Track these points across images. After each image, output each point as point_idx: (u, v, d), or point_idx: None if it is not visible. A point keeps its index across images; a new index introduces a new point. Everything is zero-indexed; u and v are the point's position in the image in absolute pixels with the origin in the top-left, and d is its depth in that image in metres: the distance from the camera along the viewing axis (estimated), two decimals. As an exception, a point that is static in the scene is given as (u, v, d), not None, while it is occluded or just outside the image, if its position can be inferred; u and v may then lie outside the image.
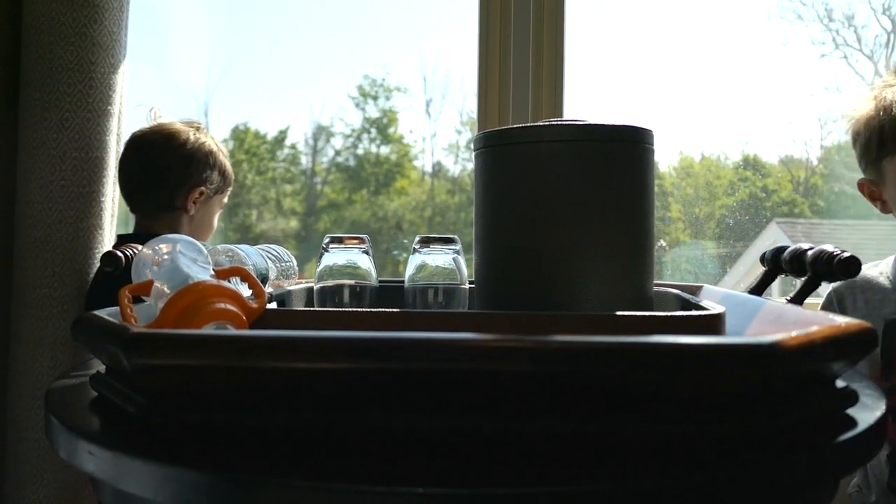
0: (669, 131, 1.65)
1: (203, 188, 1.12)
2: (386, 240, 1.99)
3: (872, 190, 0.94)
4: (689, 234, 1.75)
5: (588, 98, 1.48)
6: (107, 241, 1.15)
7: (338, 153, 2.04)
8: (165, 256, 0.56)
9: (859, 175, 0.99)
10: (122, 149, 1.16)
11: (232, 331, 0.49)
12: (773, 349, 0.36)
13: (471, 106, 1.84)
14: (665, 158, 1.74)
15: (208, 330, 0.49)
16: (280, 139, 2.03)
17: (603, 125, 0.59)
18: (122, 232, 1.20)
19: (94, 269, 1.11)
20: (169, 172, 1.10)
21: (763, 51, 1.65)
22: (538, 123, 0.61)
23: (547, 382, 0.38)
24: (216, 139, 1.18)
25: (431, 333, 0.38)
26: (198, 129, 1.15)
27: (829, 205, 1.79)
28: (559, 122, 0.60)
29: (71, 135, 1.07)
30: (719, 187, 1.80)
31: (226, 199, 1.22)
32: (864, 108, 0.93)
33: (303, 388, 0.40)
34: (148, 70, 1.78)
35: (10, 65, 1.14)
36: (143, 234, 1.11)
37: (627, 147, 0.59)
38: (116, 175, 1.16)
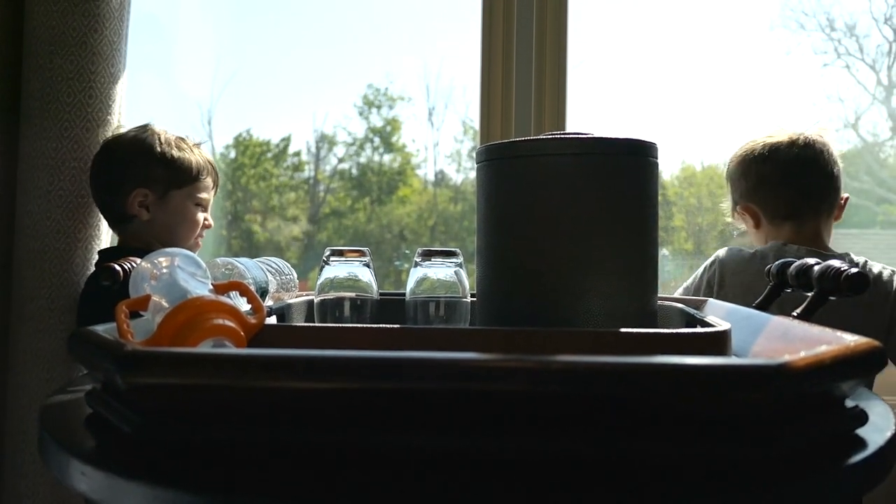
0: (672, 140, 1.64)
1: (144, 189, 1.04)
2: (388, 249, 1.99)
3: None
4: (692, 244, 1.74)
5: (591, 107, 1.48)
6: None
7: (341, 160, 2.04)
8: (164, 270, 0.55)
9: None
10: None
11: (229, 349, 0.49)
12: (781, 370, 0.35)
13: (472, 114, 1.84)
14: (667, 167, 1.74)
15: (206, 347, 0.48)
16: (283, 148, 2.03)
17: (607, 138, 0.59)
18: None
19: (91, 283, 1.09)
20: (109, 182, 1.05)
21: (765, 60, 1.65)
22: (541, 136, 0.60)
23: (549, 403, 0.37)
24: (174, 136, 1.09)
25: (432, 353, 0.38)
26: (145, 129, 1.08)
27: (832, 213, 1.78)
28: (563, 136, 0.60)
29: (70, 145, 1.07)
30: (722, 196, 1.80)
31: (203, 195, 1.10)
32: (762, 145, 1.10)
33: (301, 408, 0.39)
34: (152, 80, 1.79)
35: (11, 74, 1.14)
36: (119, 248, 1.08)
37: (631, 160, 0.59)
38: None
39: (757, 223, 1.11)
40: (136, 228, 1.07)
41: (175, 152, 1.06)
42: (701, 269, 1.12)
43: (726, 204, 1.22)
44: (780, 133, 1.10)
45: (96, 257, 1.11)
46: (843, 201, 1.10)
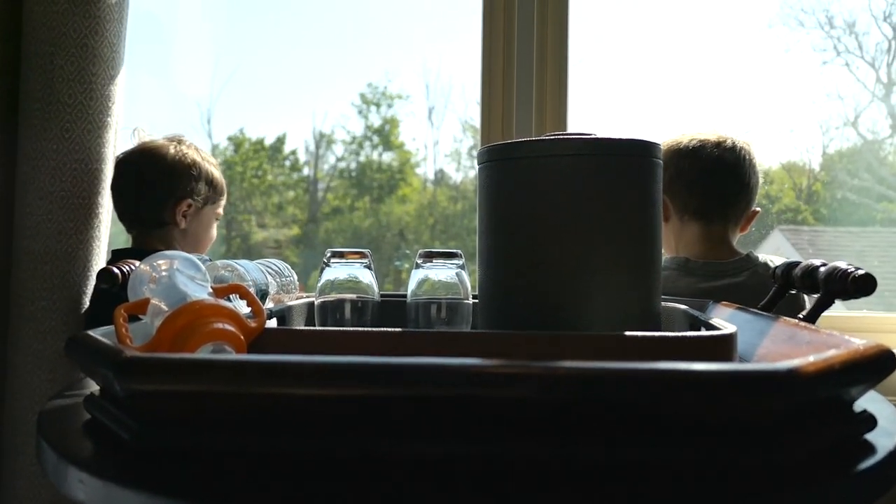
0: (670, 137, 1.63)
1: (190, 200, 1.12)
2: (388, 247, 1.98)
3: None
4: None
5: (591, 104, 1.47)
6: (105, 254, 1.14)
7: (340, 159, 2.04)
8: (163, 274, 0.54)
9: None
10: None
11: (228, 355, 0.48)
12: (790, 376, 0.35)
13: (472, 113, 1.84)
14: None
15: (205, 351, 0.48)
16: (279, 146, 2.03)
17: (610, 139, 0.58)
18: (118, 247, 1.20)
19: (93, 282, 1.09)
20: (153, 188, 1.11)
21: (765, 58, 1.65)
22: (544, 137, 0.60)
23: (555, 409, 0.36)
24: (202, 150, 1.18)
25: (435, 359, 0.37)
26: (179, 141, 1.15)
27: (832, 212, 1.78)
28: (565, 136, 0.59)
29: (71, 146, 1.06)
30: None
31: (221, 210, 1.21)
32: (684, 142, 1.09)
33: (302, 414, 0.38)
34: (152, 80, 1.78)
35: (10, 75, 1.13)
36: (137, 249, 1.11)
37: (635, 161, 0.58)
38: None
39: (666, 216, 1.09)
40: (166, 235, 1.13)
41: (213, 170, 1.17)
42: None
43: None
44: (710, 133, 1.10)
45: (108, 256, 1.14)
46: (752, 214, 1.10)
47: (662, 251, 1.10)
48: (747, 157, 1.08)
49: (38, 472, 1.06)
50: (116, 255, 1.11)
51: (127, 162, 1.12)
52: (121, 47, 1.13)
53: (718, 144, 1.07)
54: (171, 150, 1.12)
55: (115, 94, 1.12)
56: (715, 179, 1.06)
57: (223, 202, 1.20)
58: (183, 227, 1.13)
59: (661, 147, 1.10)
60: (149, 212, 1.12)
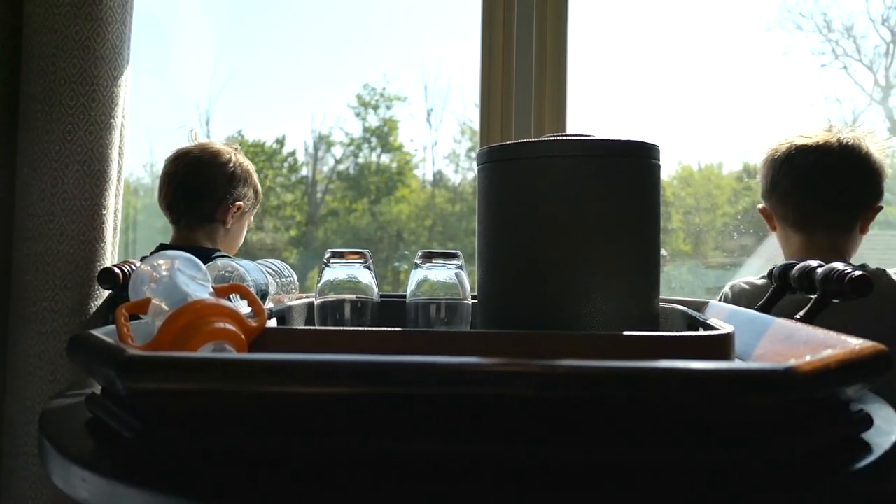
0: (670, 140, 1.64)
1: (241, 203, 1.20)
2: (387, 248, 1.98)
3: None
4: (690, 244, 1.74)
5: (589, 105, 1.48)
6: (108, 255, 1.14)
7: (338, 161, 2.04)
8: (164, 273, 0.55)
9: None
10: (124, 161, 1.17)
11: (229, 353, 0.48)
12: (787, 375, 0.35)
13: (471, 115, 1.84)
14: (665, 167, 1.73)
15: (206, 351, 0.48)
16: (279, 148, 2.03)
17: (608, 140, 0.58)
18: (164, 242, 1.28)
19: (96, 284, 1.10)
20: (214, 187, 1.18)
21: (763, 61, 1.65)
22: (543, 138, 0.60)
23: (553, 408, 0.37)
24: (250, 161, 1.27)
25: (434, 357, 0.37)
26: (236, 150, 1.24)
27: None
28: (564, 138, 0.59)
29: (73, 147, 1.07)
30: (720, 196, 1.80)
31: (252, 217, 1.29)
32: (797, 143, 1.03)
33: (303, 413, 0.38)
34: (150, 79, 1.78)
35: (10, 77, 1.13)
36: (183, 245, 1.18)
37: (633, 162, 0.59)
38: (122, 188, 1.17)
39: (772, 225, 1.07)
40: (213, 231, 1.19)
41: (258, 180, 1.26)
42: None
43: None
44: (813, 134, 1.02)
45: (116, 254, 1.17)
46: (872, 212, 1.01)
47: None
48: (853, 155, 0.98)
49: (39, 473, 1.06)
50: (162, 248, 1.19)
51: (191, 156, 1.19)
52: (124, 48, 1.13)
53: (817, 148, 0.98)
54: (233, 156, 1.21)
55: (118, 96, 1.12)
56: (810, 189, 0.98)
57: (256, 210, 1.28)
58: (228, 227, 1.19)
59: (764, 155, 1.05)
60: (205, 207, 1.18)
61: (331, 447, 0.38)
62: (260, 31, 1.90)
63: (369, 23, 1.85)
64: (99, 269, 1.09)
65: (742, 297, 1.00)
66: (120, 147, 1.16)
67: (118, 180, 1.15)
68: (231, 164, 1.20)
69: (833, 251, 0.99)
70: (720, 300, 1.02)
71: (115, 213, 1.15)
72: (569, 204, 0.57)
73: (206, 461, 0.38)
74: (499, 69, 1.31)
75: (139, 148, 1.79)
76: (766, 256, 1.58)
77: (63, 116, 1.06)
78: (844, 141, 0.98)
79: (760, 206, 1.09)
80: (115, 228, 1.16)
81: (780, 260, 1.08)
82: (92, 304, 1.10)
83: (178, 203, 1.20)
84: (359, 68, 1.90)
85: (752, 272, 1.59)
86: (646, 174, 0.59)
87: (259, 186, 1.27)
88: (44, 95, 1.07)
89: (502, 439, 0.37)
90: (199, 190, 1.18)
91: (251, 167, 1.25)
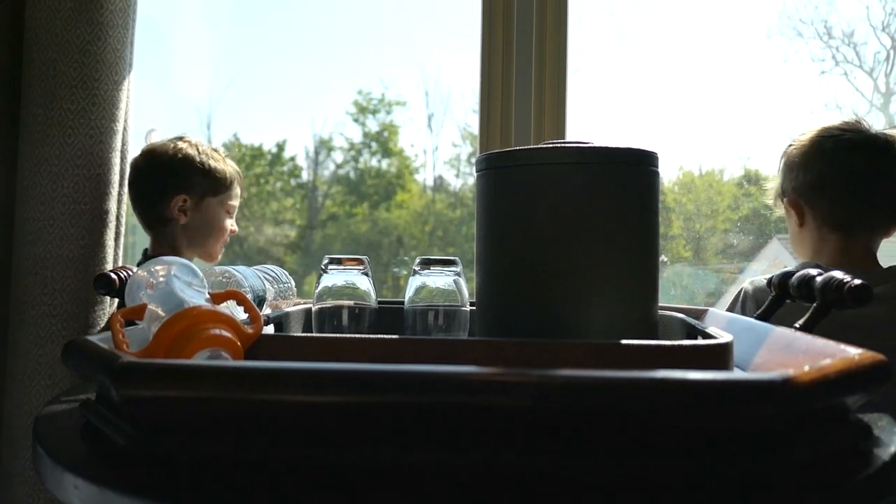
0: (671, 146, 1.64)
1: (184, 195, 1.13)
2: (387, 253, 1.98)
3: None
4: (690, 251, 1.74)
5: (589, 113, 1.48)
6: (110, 260, 1.14)
7: (339, 166, 2.04)
8: (160, 279, 0.54)
9: None
10: (126, 166, 1.18)
11: (224, 361, 0.48)
12: (786, 385, 0.35)
13: (470, 120, 1.84)
14: (666, 173, 1.74)
15: (202, 357, 0.48)
16: (279, 153, 2.03)
17: (607, 147, 0.58)
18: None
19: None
20: (150, 187, 1.14)
21: (763, 67, 1.65)
22: (542, 145, 0.60)
23: (551, 418, 0.36)
24: (205, 144, 1.19)
25: (432, 367, 0.37)
26: (180, 139, 1.17)
27: (831, 220, 1.78)
28: (563, 145, 0.59)
29: (73, 151, 1.07)
30: (721, 203, 1.80)
31: (234, 202, 1.20)
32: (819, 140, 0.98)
33: (298, 421, 0.38)
34: (151, 85, 1.78)
35: (11, 81, 1.13)
36: (152, 255, 1.16)
37: (632, 169, 0.58)
38: (125, 192, 1.18)
39: (801, 222, 0.99)
40: (169, 232, 1.15)
41: (212, 162, 1.16)
42: (729, 306, 1.02)
43: (772, 184, 1.08)
44: (857, 126, 0.97)
45: (119, 258, 1.16)
46: None
47: (799, 257, 1.02)
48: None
49: (36, 477, 1.05)
50: (143, 256, 1.17)
51: (131, 166, 1.16)
52: (126, 52, 1.13)
53: (868, 143, 0.94)
54: (167, 148, 1.15)
55: (120, 100, 1.12)
56: (863, 188, 0.93)
57: (235, 194, 1.19)
58: (183, 223, 1.14)
59: (798, 143, 0.98)
60: (149, 211, 1.15)
61: (325, 456, 0.37)
62: (261, 36, 1.90)
63: (370, 28, 1.85)
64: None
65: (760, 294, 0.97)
66: (122, 152, 1.16)
67: (120, 185, 1.15)
68: (164, 157, 1.14)
69: (868, 254, 0.96)
70: (740, 296, 1.00)
71: (116, 217, 1.15)
72: (568, 211, 0.57)
73: (200, 469, 0.38)
74: (498, 75, 1.32)
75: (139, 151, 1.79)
76: (771, 259, 1.58)
77: (63, 121, 1.06)
78: (892, 137, 0.95)
79: (786, 200, 1.02)
80: (117, 233, 1.15)
81: (784, 264, 1.05)
82: (91, 310, 1.09)
83: (137, 215, 1.18)
84: (360, 73, 1.90)
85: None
86: (645, 182, 0.59)
87: (216, 168, 1.16)
88: (44, 100, 1.07)
89: (500, 449, 0.37)
90: (138, 200, 1.16)
91: (197, 150, 1.16)
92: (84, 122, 1.08)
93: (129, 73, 1.15)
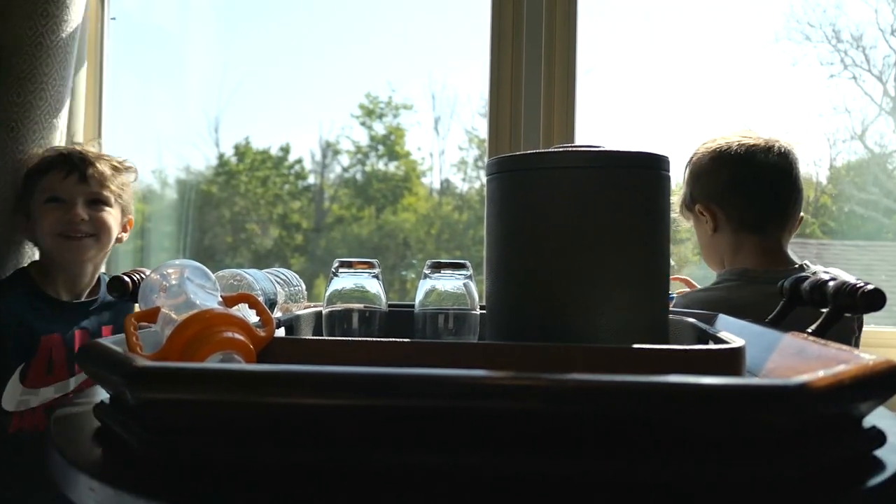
0: (679, 149, 1.64)
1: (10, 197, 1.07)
2: (393, 256, 1.98)
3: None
4: (699, 255, 1.73)
5: (598, 115, 1.48)
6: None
7: (345, 170, 2.04)
8: (173, 282, 0.55)
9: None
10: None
11: (238, 365, 0.48)
12: (800, 391, 0.35)
13: (477, 124, 1.84)
14: (674, 177, 1.73)
15: (215, 360, 0.48)
16: (285, 156, 2.04)
17: (618, 152, 0.58)
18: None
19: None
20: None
21: (772, 71, 1.65)
22: (553, 149, 0.60)
23: (562, 422, 0.36)
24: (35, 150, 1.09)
25: (443, 370, 0.37)
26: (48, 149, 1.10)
27: (840, 225, 1.77)
28: (574, 149, 0.59)
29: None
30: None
31: (57, 188, 1.05)
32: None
33: (311, 424, 0.38)
34: (160, 88, 1.79)
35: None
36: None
37: (643, 173, 0.58)
38: None
39: (715, 226, 1.01)
40: (35, 236, 1.08)
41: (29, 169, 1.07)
42: None
43: (676, 197, 1.10)
44: (752, 135, 1.02)
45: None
46: (800, 219, 1.04)
47: (723, 265, 1.03)
48: (796, 160, 1.01)
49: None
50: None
51: None
52: (74, 47, 1.12)
53: (770, 149, 0.99)
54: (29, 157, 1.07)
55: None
56: (774, 189, 0.99)
57: (50, 180, 1.04)
58: (29, 220, 1.06)
59: (704, 151, 1.02)
60: (21, 221, 1.08)
61: (338, 459, 0.38)
62: (268, 40, 1.92)
63: (377, 31, 1.86)
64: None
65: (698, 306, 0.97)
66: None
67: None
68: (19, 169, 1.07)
69: (780, 252, 1.00)
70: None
71: None
72: (578, 215, 0.57)
73: (215, 471, 0.38)
74: (507, 77, 1.32)
75: (149, 155, 1.81)
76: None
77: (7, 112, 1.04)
78: (786, 146, 1.01)
79: (698, 207, 1.04)
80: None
81: (829, 269, 1.04)
82: None
83: None
84: (367, 77, 1.91)
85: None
86: (656, 186, 0.59)
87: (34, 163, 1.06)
88: None
89: (511, 453, 0.37)
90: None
91: (42, 152, 1.07)
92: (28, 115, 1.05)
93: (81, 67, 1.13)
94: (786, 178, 0.99)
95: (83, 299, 1.09)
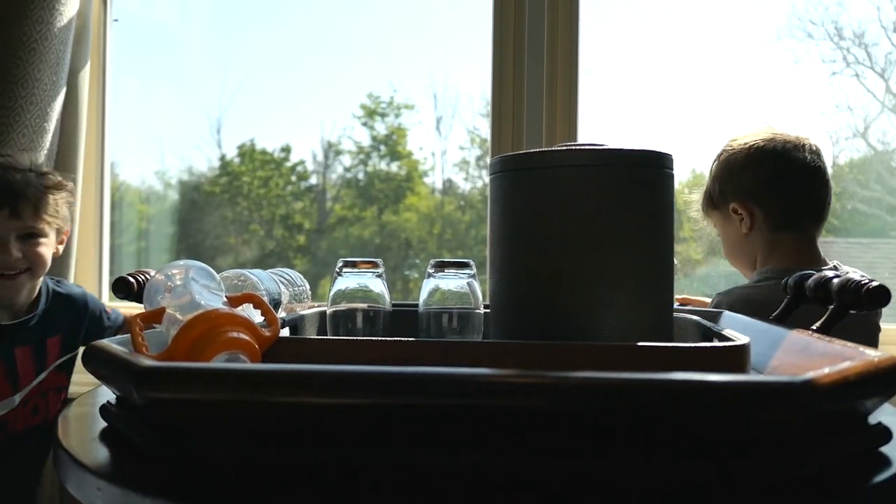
0: (682, 147, 1.64)
1: None
2: (395, 256, 1.98)
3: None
4: (702, 253, 1.73)
5: (600, 114, 1.48)
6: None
7: (347, 170, 2.05)
8: (178, 283, 0.55)
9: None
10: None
11: (244, 364, 0.48)
12: (806, 388, 0.35)
13: (479, 124, 1.84)
14: (677, 174, 1.73)
15: (220, 360, 0.48)
16: (287, 157, 2.04)
17: (622, 150, 0.58)
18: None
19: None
20: None
21: (774, 69, 1.65)
22: (556, 148, 0.60)
23: (567, 420, 0.37)
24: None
25: (448, 368, 0.37)
26: None
27: (843, 222, 1.77)
28: (577, 147, 0.59)
29: None
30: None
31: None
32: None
33: (317, 423, 0.38)
34: (162, 89, 1.80)
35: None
36: None
37: (646, 172, 0.58)
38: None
39: (751, 225, 0.99)
40: None
41: None
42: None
43: (696, 195, 1.09)
44: (780, 133, 1.00)
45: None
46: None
47: (754, 266, 1.01)
48: (824, 158, 1.00)
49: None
50: None
51: None
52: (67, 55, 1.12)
53: (803, 147, 0.98)
54: None
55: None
56: (812, 187, 0.97)
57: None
58: None
59: (737, 148, 0.99)
60: None
61: (344, 458, 0.38)
62: (270, 41, 1.92)
63: (379, 31, 1.86)
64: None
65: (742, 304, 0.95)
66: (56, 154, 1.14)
67: None
68: None
69: (816, 252, 0.99)
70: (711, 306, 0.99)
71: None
72: (582, 214, 0.57)
73: (222, 471, 0.38)
74: (509, 76, 1.32)
75: (151, 156, 1.81)
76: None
77: None
78: (815, 144, 1.00)
79: (732, 205, 1.01)
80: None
81: (853, 269, 1.03)
82: None
83: None
84: (368, 77, 1.91)
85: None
86: (659, 184, 0.59)
87: None
88: None
89: (516, 451, 0.37)
90: None
91: None
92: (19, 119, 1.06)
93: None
94: (821, 176, 0.98)
95: (21, 318, 1.05)
